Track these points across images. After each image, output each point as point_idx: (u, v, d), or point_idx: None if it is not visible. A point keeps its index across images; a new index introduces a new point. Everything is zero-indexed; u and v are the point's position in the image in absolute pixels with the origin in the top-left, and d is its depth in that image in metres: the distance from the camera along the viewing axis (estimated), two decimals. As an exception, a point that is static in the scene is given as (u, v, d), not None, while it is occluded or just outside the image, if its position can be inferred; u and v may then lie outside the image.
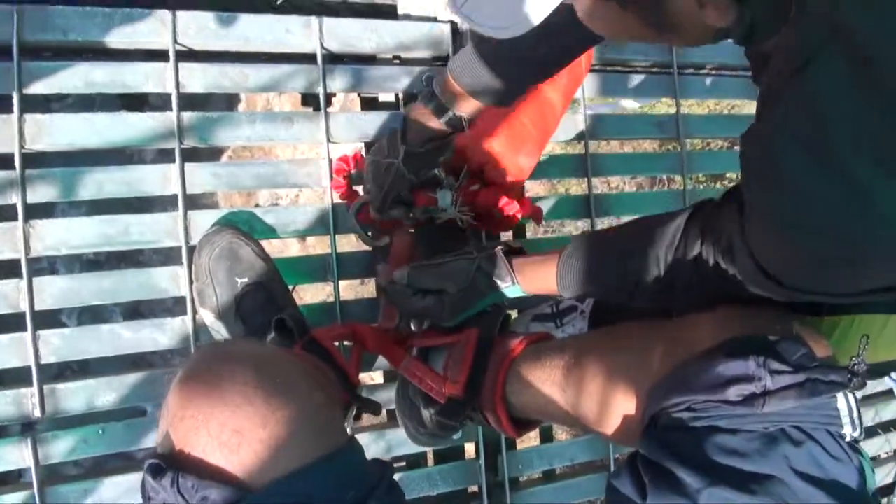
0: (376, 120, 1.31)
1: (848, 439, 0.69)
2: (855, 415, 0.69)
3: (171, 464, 0.65)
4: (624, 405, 0.81)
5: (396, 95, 1.40)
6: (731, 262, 0.79)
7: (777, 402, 0.67)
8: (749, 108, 1.73)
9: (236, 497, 0.62)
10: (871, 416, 1.90)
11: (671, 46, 1.58)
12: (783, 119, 0.61)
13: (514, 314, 1.45)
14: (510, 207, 1.25)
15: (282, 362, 0.74)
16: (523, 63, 1.03)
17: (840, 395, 0.69)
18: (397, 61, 1.38)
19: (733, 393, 0.68)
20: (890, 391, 1.93)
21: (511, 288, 1.05)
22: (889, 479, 1.98)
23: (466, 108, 1.07)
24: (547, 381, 0.90)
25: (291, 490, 0.63)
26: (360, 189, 1.27)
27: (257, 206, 2.22)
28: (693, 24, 0.67)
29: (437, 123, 1.09)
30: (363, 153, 1.29)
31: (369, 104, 1.43)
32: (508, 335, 1.05)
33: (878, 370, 1.01)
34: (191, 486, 0.62)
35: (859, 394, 1.83)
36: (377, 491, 0.69)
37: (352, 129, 1.30)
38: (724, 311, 0.80)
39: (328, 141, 1.26)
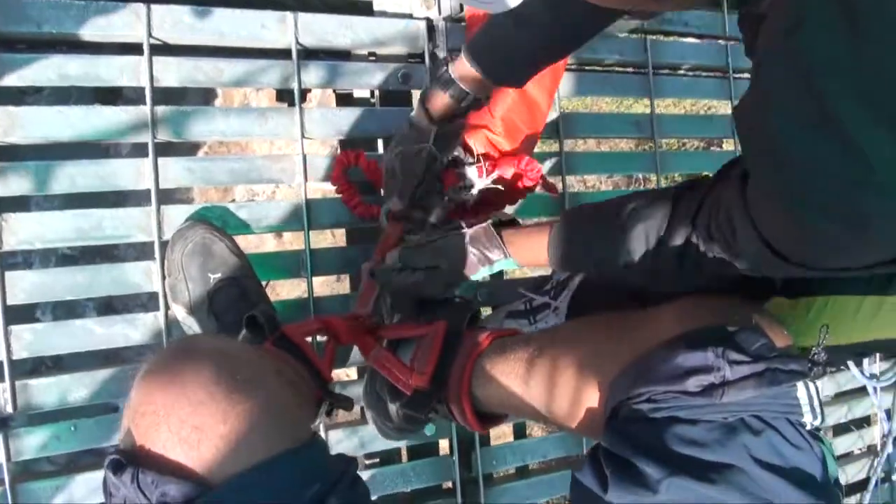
0: (351, 116, 1.31)
1: (809, 428, 0.70)
2: (815, 403, 0.70)
3: (131, 459, 0.64)
4: (587, 398, 0.81)
5: (371, 92, 1.40)
6: (729, 242, 0.77)
7: (736, 391, 0.67)
8: (724, 108, 1.75)
9: (196, 493, 0.62)
10: (843, 413, 1.92)
11: (646, 45, 1.59)
12: (777, 84, 0.60)
13: (488, 311, 1.46)
14: (532, 166, 1.28)
15: (246, 358, 0.74)
16: (536, 43, 1.05)
17: (800, 384, 0.70)
18: (373, 57, 1.38)
19: (692, 384, 0.69)
20: (862, 388, 1.95)
21: (503, 261, 1.06)
22: (862, 475, 2.00)
23: (482, 89, 1.11)
24: (511, 373, 0.90)
25: (251, 485, 0.63)
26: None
27: (233, 201, 2.22)
28: None
29: (456, 105, 1.13)
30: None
31: (345, 100, 1.43)
32: (477, 329, 1.05)
33: (856, 350, 1.02)
34: (150, 482, 0.62)
35: (832, 389, 1.85)
36: (340, 485, 0.69)
37: (327, 125, 1.29)
38: (685, 303, 0.81)
39: (303, 137, 1.26)
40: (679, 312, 0.79)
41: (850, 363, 1.89)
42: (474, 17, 1.33)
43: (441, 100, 1.14)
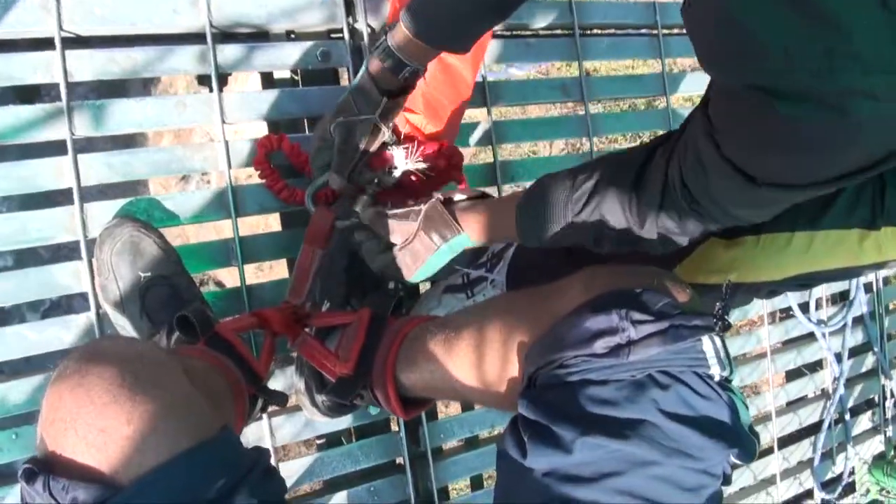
0: (270, 98, 1.29)
1: (717, 379, 0.71)
2: (722, 355, 0.71)
3: (42, 467, 0.64)
4: (505, 373, 0.82)
5: (292, 72, 1.37)
6: (701, 183, 0.75)
7: (642, 350, 0.68)
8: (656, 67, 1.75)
9: (106, 495, 0.62)
10: (792, 358, 1.96)
11: (571, 7, 1.58)
12: None
13: (427, 286, 1.45)
14: (454, 152, 1.28)
15: (150, 358, 0.73)
16: (477, 5, 1.03)
17: (705, 339, 0.70)
18: (293, 36, 1.36)
19: (600, 346, 0.70)
20: (811, 333, 1.99)
21: (458, 238, 1.05)
22: (816, 418, 2.05)
23: (423, 57, 1.09)
24: (431, 356, 0.91)
25: (156, 483, 0.63)
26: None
27: (183, 178, 2.21)
28: None
29: (395, 78, 1.11)
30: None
31: (268, 82, 1.41)
32: (402, 317, 1.06)
33: (798, 281, 1.04)
34: (61, 488, 0.62)
35: (780, 336, 1.88)
36: (249, 477, 0.69)
37: (247, 109, 1.27)
38: (590, 272, 0.81)
39: (223, 122, 1.24)
40: (586, 280, 0.79)
41: (798, 311, 1.93)
42: None
43: (380, 69, 1.11)
